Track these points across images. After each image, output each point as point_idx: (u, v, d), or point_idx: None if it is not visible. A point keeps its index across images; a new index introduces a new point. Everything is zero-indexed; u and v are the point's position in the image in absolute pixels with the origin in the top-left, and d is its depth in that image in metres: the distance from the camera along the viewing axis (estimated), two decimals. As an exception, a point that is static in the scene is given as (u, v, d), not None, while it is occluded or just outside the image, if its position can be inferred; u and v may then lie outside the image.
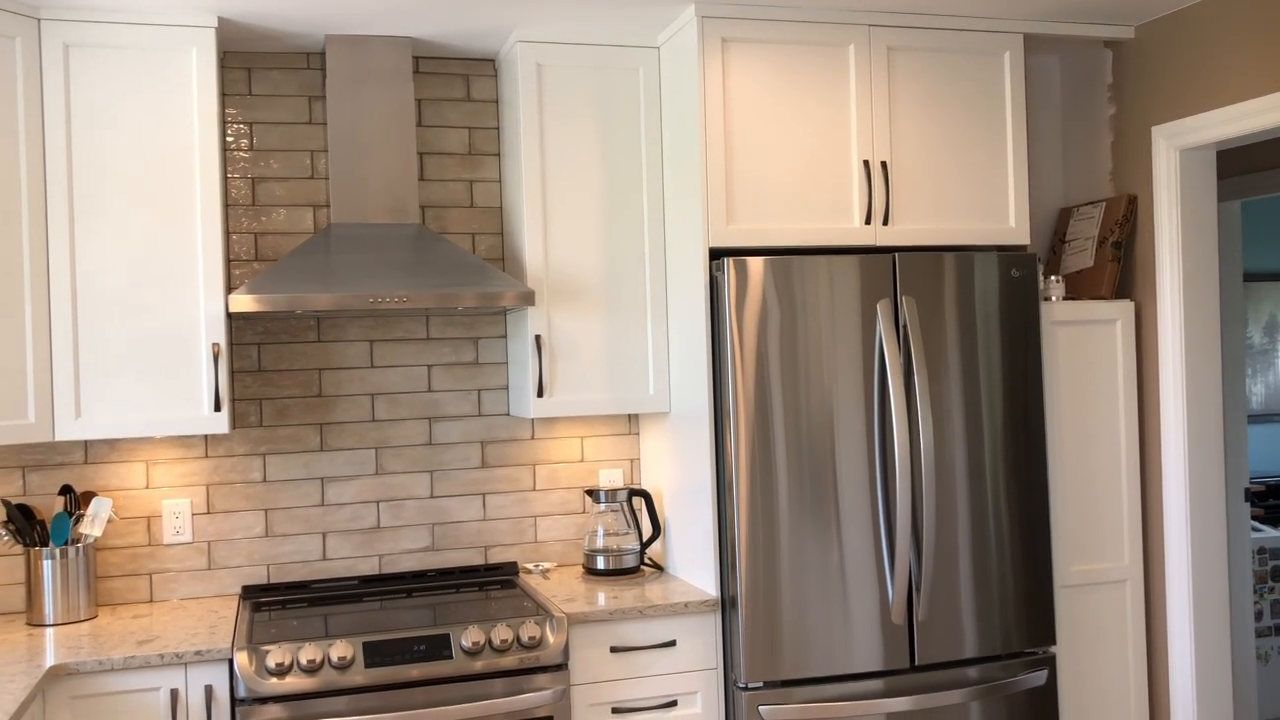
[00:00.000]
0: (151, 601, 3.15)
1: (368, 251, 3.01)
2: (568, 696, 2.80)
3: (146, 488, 3.16)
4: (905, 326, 2.98)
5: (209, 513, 3.21)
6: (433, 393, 3.39)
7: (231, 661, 2.60)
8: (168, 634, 2.75)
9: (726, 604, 2.95)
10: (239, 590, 3.22)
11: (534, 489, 3.47)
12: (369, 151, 3.12)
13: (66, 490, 3.00)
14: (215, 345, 2.90)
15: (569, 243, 3.19)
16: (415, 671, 2.67)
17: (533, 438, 3.48)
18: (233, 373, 3.23)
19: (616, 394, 3.22)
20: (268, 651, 2.60)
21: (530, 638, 2.74)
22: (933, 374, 3.01)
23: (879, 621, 2.94)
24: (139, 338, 2.86)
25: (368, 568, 3.33)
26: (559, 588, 3.15)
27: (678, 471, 3.21)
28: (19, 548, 3.03)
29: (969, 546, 3.03)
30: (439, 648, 2.70)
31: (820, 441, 2.93)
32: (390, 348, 3.36)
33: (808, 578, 2.90)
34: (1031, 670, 3.07)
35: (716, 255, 3.04)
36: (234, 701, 2.60)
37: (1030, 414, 3.10)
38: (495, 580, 3.30)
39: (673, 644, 2.93)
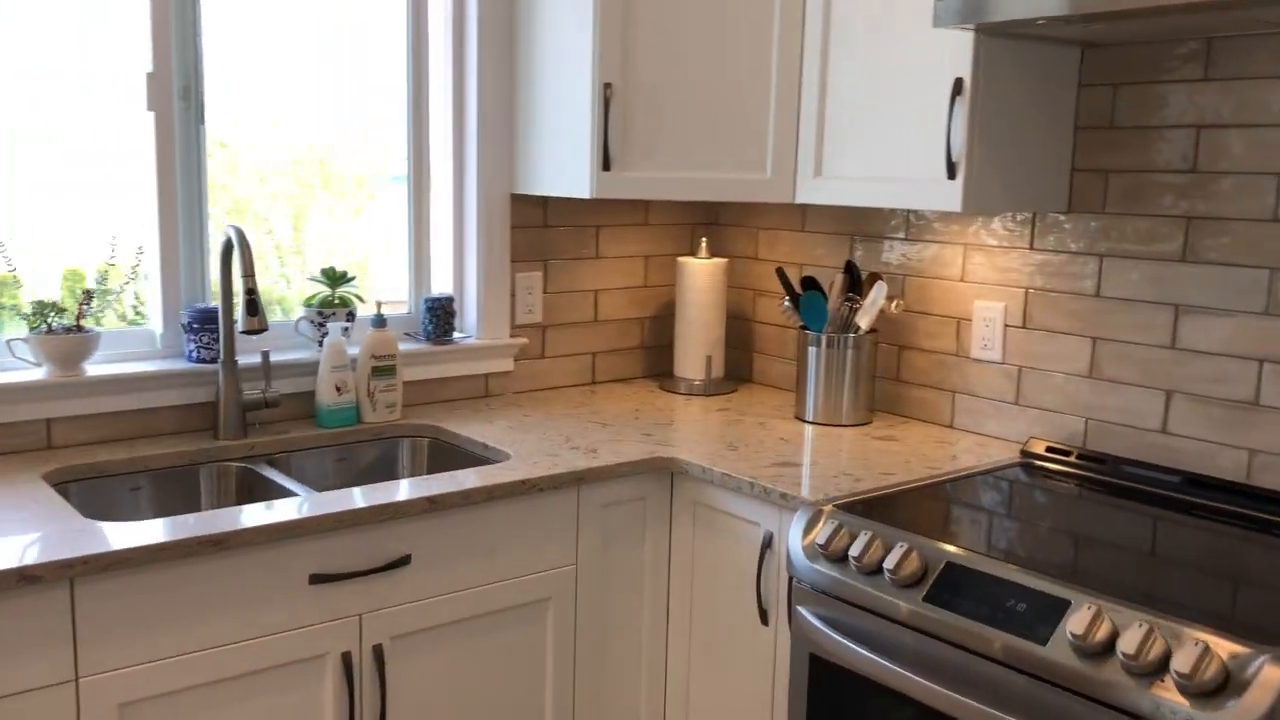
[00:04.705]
0: (950, 427, 2.43)
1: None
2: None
3: (960, 280, 2.40)
4: None
5: (1024, 326, 2.29)
6: (1394, 174, 1.76)
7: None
8: (831, 465, 2.11)
9: None
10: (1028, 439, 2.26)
11: None
12: None
13: (849, 268, 2.47)
14: (958, 80, 1.98)
15: None
16: (977, 637, 1.54)
17: None
18: (1077, 129, 2.17)
19: None
20: (827, 518, 1.80)
21: (1183, 670, 1.32)
22: None
23: None
24: (883, 76, 2.13)
25: (1227, 463, 1.98)
26: None
27: None
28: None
29: None
30: (1038, 620, 1.50)
31: None
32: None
33: None
34: None
35: None
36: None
37: None
38: None
39: None
